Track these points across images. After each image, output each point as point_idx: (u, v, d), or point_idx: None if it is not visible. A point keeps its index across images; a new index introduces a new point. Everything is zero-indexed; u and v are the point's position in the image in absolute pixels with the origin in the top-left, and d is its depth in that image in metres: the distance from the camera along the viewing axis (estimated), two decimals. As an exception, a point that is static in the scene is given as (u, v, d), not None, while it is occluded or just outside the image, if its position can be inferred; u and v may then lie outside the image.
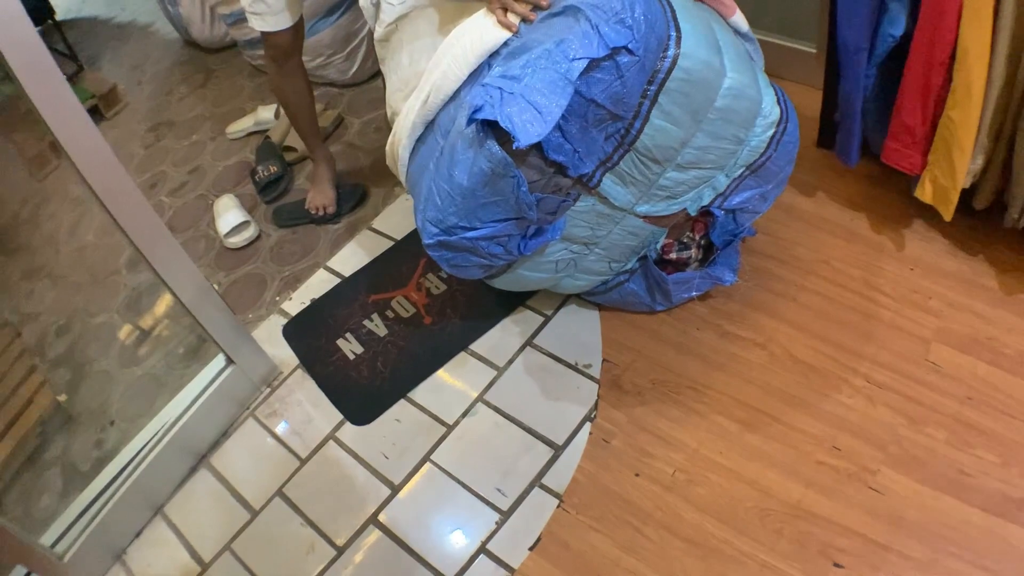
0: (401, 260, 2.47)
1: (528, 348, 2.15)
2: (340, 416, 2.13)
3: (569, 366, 2.09)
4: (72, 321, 2.62)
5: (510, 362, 2.13)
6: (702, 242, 2.07)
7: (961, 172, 1.98)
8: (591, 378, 2.05)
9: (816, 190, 2.34)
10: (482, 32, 1.61)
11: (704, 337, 2.08)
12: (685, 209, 1.84)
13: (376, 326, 2.32)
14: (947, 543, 1.68)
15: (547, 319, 2.20)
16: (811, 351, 2.01)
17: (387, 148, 1.91)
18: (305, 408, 2.16)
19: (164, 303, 2.52)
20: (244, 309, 2.45)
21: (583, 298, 2.19)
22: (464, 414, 2.05)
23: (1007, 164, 1.99)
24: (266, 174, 2.80)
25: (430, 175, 1.67)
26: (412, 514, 1.91)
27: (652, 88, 1.53)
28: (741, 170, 1.80)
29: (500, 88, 1.46)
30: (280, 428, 2.14)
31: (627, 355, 2.08)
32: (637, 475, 1.86)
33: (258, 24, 2.23)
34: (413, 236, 2.52)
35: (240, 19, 3.05)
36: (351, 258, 2.53)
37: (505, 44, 1.58)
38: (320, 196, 2.66)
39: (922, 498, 1.75)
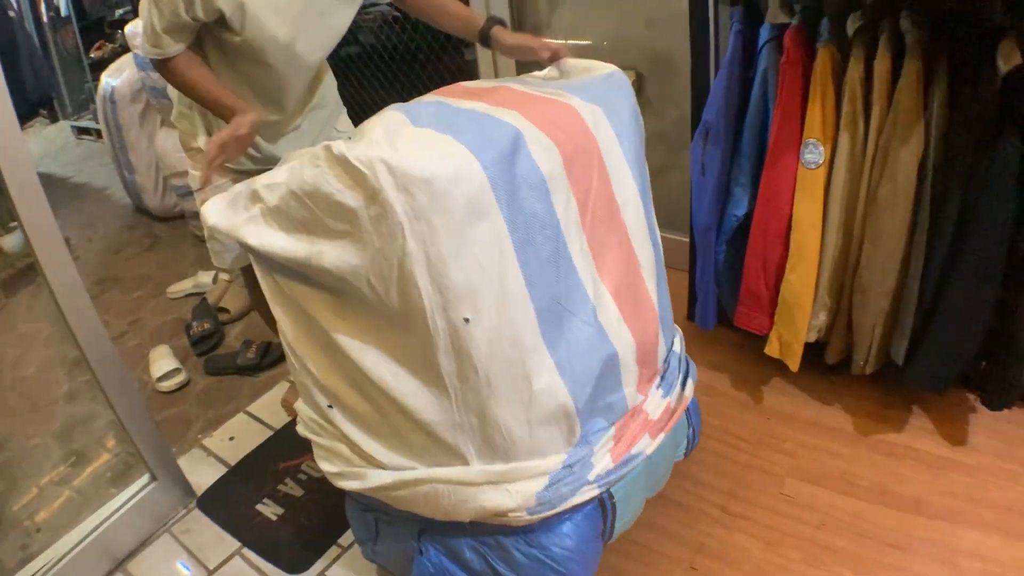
0: None
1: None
2: (246, 534, 2.36)
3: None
4: (8, 440, 2.86)
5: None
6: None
7: (802, 328, 2.34)
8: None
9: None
10: None
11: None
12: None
13: (291, 488, 2.52)
14: None
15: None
16: (673, 488, 2.18)
17: None
18: (216, 529, 2.40)
19: (97, 429, 2.78)
20: (170, 442, 2.70)
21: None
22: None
23: (849, 320, 2.36)
24: (200, 330, 3.16)
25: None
26: None
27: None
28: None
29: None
30: (192, 543, 2.36)
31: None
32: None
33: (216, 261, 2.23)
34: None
35: (187, 192, 3.42)
36: (268, 407, 2.85)
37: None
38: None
39: None
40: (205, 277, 3.44)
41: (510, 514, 1.65)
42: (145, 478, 2.39)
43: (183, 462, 2.62)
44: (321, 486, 2.48)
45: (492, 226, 1.49)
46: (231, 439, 2.73)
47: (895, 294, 2.27)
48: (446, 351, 1.52)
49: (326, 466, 1.83)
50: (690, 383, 2.00)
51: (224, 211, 1.67)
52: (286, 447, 2.67)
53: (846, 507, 2.21)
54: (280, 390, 2.92)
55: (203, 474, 2.59)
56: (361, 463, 1.76)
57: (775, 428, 2.47)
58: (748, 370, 2.65)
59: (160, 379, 2.96)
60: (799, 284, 2.33)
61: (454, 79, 1.99)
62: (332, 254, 1.53)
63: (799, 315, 2.36)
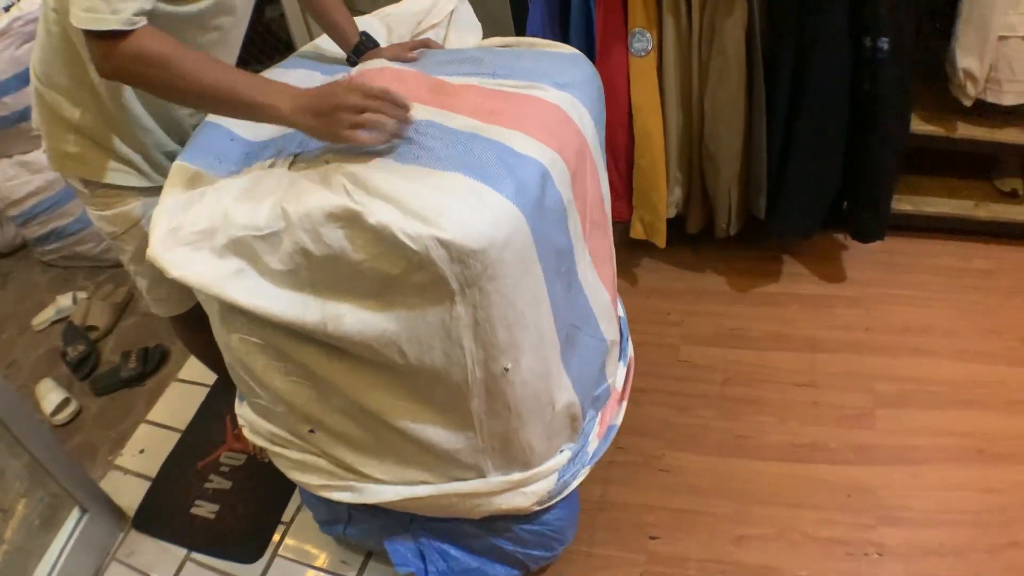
0: (210, 420, 2.72)
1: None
2: (191, 538, 2.36)
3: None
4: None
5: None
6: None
7: (661, 206, 2.45)
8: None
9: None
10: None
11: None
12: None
13: (219, 483, 2.50)
14: (750, 494, 2.07)
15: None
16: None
17: None
18: (158, 543, 2.39)
19: (8, 481, 2.69)
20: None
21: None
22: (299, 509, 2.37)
23: (704, 189, 2.49)
24: (76, 353, 3.07)
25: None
26: None
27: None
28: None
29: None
30: (141, 563, 2.35)
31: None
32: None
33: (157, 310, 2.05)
34: (216, 389, 2.82)
35: (29, 218, 3.31)
36: (166, 410, 2.82)
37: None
38: None
39: (710, 465, 2.14)
40: (64, 300, 3.33)
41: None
42: (76, 513, 2.35)
43: (104, 487, 2.57)
44: (247, 473, 2.52)
45: (533, 278, 1.44)
46: (141, 452, 2.69)
47: (744, 155, 2.40)
48: (479, 396, 1.50)
49: (302, 478, 1.82)
50: (630, 343, 2.08)
51: (194, 260, 1.41)
52: (198, 445, 2.66)
53: (744, 359, 2.37)
54: (173, 392, 2.89)
55: (128, 494, 2.55)
56: (351, 477, 1.75)
57: (656, 304, 2.59)
58: (617, 256, 2.74)
59: (53, 413, 2.88)
60: (650, 167, 2.43)
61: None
62: (354, 318, 1.40)
63: (655, 195, 2.47)
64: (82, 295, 3.34)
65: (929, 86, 2.52)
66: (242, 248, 1.41)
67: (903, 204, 2.68)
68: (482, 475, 1.67)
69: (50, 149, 1.75)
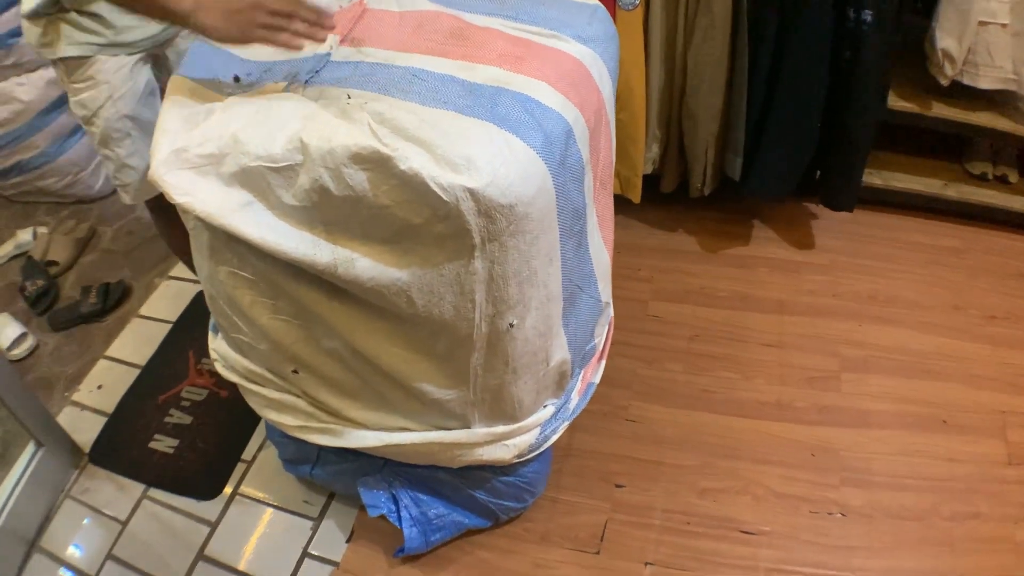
0: (172, 355, 2.69)
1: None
2: (148, 477, 2.33)
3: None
4: None
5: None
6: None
7: (639, 161, 2.47)
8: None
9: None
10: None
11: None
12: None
13: (179, 418, 2.48)
14: (715, 448, 2.10)
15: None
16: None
17: None
18: (114, 478, 2.36)
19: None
20: (40, 407, 2.63)
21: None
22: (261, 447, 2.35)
23: (681, 147, 2.51)
24: (34, 288, 3.01)
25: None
26: (234, 542, 2.16)
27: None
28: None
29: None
30: (96, 501, 2.31)
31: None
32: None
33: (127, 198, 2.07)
34: (179, 325, 2.79)
35: (-11, 152, 3.25)
36: (126, 346, 2.77)
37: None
38: None
39: (676, 418, 2.17)
40: (24, 235, 3.25)
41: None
42: (31, 447, 2.31)
43: (60, 423, 2.52)
44: (208, 409, 2.50)
45: (550, 236, 1.43)
46: (99, 387, 2.65)
47: (723, 116, 2.41)
48: (480, 350, 1.49)
49: (277, 418, 1.79)
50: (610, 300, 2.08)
51: (199, 186, 1.35)
52: (159, 380, 2.63)
53: (712, 317, 2.40)
54: (135, 326, 2.84)
55: (84, 430, 2.51)
56: (329, 420, 1.73)
57: (627, 260, 2.60)
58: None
59: (10, 348, 2.82)
60: (630, 121, 2.44)
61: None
62: (367, 264, 1.37)
63: (634, 150, 2.49)
64: (43, 230, 3.28)
65: (908, 63, 2.54)
66: (253, 179, 1.35)
67: (874, 178, 2.71)
68: (467, 426, 1.67)
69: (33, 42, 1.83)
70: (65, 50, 1.79)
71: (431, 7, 1.61)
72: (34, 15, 1.77)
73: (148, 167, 1.35)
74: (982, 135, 2.62)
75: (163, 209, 2.05)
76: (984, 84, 2.40)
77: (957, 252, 2.64)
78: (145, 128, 1.93)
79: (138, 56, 1.89)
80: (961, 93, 2.48)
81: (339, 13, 1.61)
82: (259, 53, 1.57)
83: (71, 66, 1.83)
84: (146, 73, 1.93)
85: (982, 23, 2.29)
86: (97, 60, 1.83)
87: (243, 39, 1.37)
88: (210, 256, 1.52)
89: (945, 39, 2.33)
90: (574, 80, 1.48)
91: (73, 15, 1.77)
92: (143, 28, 1.86)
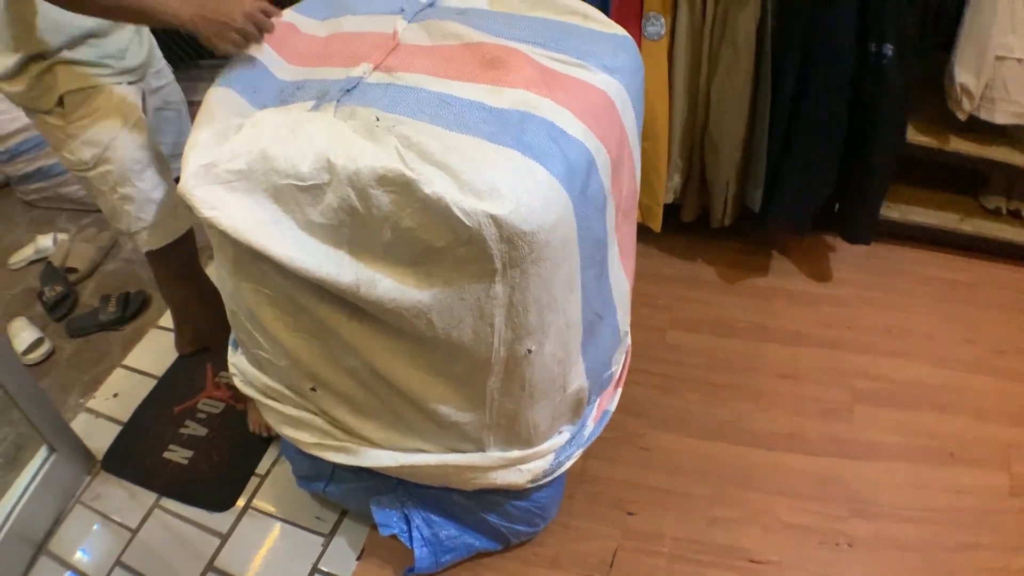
0: (190, 367, 2.67)
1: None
2: (159, 486, 2.33)
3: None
4: None
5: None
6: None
7: (660, 190, 2.48)
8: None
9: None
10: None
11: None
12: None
13: (194, 430, 2.48)
14: (727, 477, 2.10)
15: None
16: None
17: None
18: (126, 486, 2.37)
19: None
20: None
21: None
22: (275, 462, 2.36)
23: (702, 177, 2.52)
24: (52, 294, 3.03)
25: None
26: (244, 554, 2.16)
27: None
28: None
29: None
30: (107, 508, 2.31)
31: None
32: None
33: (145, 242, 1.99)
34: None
35: (14, 156, 3.26)
36: (143, 356, 2.78)
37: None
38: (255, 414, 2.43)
39: (691, 448, 2.17)
40: (44, 240, 3.28)
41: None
42: (43, 451, 2.31)
43: (74, 429, 2.54)
44: (224, 422, 2.49)
45: (571, 265, 1.44)
46: (115, 396, 2.66)
47: (744, 148, 2.42)
48: (497, 374, 1.50)
49: (294, 434, 1.80)
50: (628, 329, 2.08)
51: (227, 202, 1.36)
52: (175, 391, 2.63)
53: (729, 347, 2.40)
54: (153, 336, 2.86)
55: (98, 437, 2.51)
56: (347, 438, 1.74)
57: (646, 288, 2.61)
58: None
59: (25, 352, 2.84)
60: (652, 151, 2.45)
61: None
62: (389, 284, 1.38)
63: (656, 179, 2.49)
64: (63, 237, 3.31)
65: (927, 97, 2.55)
66: (281, 196, 1.37)
67: (891, 212, 2.72)
68: (482, 449, 1.67)
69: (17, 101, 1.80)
70: (67, 84, 1.74)
71: (462, 41, 1.63)
72: (10, 76, 1.73)
73: (172, 195, 1.37)
74: (998, 170, 2.63)
75: (168, 257, 2.04)
76: (1000, 119, 2.41)
77: (970, 287, 2.65)
78: (160, 157, 1.91)
79: (135, 80, 1.88)
80: (978, 127, 2.50)
81: (372, 45, 1.63)
82: (288, 72, 1.60)
83: (73, 103, 1.77)
84: (140, 98, 1.90)
85: (999, 57, 2.31)
86: (102, 89, 1.78)
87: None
88: (234, 272, 1.53)
89: (963, 74, 2.35)
90: (597, 111, 1.50)
91: (64, 53, 1.72)
92: (134, 52, 1.86)
